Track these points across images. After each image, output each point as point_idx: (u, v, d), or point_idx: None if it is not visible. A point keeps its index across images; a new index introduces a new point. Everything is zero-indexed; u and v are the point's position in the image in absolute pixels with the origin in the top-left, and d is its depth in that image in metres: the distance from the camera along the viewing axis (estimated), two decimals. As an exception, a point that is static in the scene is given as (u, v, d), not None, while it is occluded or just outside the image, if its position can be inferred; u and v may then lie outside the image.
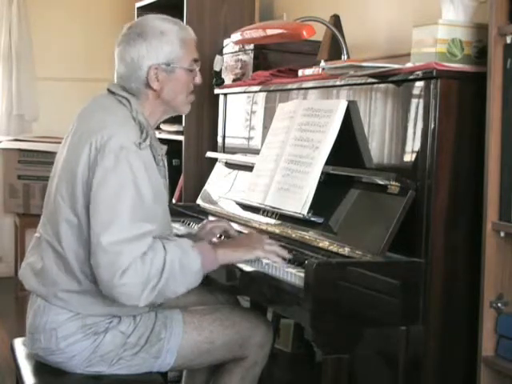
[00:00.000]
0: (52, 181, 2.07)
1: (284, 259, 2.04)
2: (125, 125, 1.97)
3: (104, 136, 1.91)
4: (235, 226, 2.51)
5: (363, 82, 2.16)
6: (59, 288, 1.98)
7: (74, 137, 2.02)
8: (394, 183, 1.97)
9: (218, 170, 2.94)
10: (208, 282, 2.50)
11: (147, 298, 1.86)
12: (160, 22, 2.06)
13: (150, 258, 1.85)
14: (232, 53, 3.11)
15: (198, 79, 2.14)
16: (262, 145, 2.58)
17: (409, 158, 1.99)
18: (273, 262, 2.02)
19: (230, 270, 2.18)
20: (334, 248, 2.05)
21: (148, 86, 2.04)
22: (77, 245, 1.96)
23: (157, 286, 1.86)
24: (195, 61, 2.10)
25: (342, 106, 2.19)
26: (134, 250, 1.84)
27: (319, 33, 2.64)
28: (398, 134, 2.04)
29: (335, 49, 2.67)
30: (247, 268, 2.09)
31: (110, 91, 2.08)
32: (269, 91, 2.72)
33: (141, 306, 1.88)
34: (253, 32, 2.70)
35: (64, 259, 1.97)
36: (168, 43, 2.03)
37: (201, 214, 2.84)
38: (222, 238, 2.34)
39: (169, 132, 3.60)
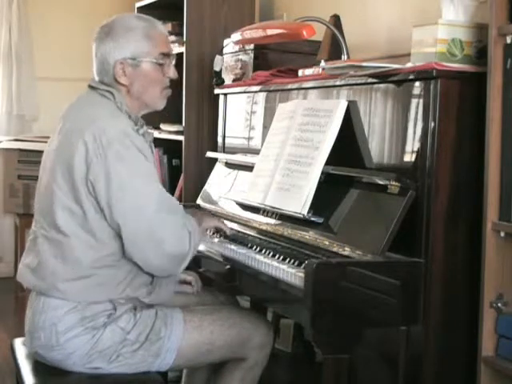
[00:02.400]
0: (40, 181, 2.10)
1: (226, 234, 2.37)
2: (115, 115, 2.03)
3: (99, 128, 1.96)
4: (235, 226, 2.51)
5: (363, 81, 2.16)
6: (58, 278, 1.99)
7: (62, 134, 2.05)
8: (394, 183, 1.97)
9: (218, 170, 2.94)
10: (208, 283, 2.50)
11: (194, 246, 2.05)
12: (128, 20, 2.12)
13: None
14: (232, 53, 3.11)
15: (172, 73, 2.15)
16: (262, 145, 2.57)
17: (409, 158, 1.99)
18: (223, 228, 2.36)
19: (230, 269, 2.18)
20: (334, 248, 2.05)
21: (117, 81, 2.08)
22: (80, 230, 1.99)
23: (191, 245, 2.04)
24: (165, 55, 2.12)
25: (342, 106, 2.19)
26: (176, 221, 2.01)
27: (319, 33, 2.63)
28: (398, 134, 2.04)
29: (335, 49, 2.66)
30: (247, 268, 2.09)
31: (91, 87, 2.12)
32: (269, 91, 2.72)
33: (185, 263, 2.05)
34: (253, 32, 2.70)
35: (63, 246, 1.99)
36: (133, 38, 2.08)
37: (201, 214, 2.84)
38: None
39: (169, 132, 3.60)
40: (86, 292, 2.00)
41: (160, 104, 2.17)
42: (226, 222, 2.47)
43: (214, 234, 2.47)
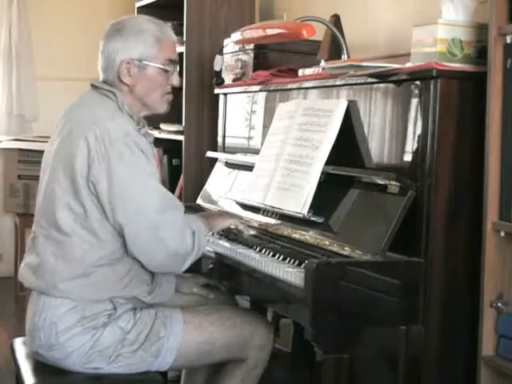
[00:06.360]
0: (42, 180, 2.10)
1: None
2: (116, 115, 2.04)
3: (101, 128, 1.96)
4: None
5: (363, 81, 2.16)
6: (59, 278, 2.00)
7: (64, 133, 2.05)
8: (393, 183, 1.97)
9: (218, 169, 2.94)
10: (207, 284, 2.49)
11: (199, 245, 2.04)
12: (140, 21, 2.13)
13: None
14: (232, 53, 3.11)
15: (175, 80, 2.17)
16: (262, 144, 2.57)
17: (409, 158, 1.99)
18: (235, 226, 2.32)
19: (230, 269, 2.18)
20: (334, 248, 2.05)
21: (121, 80, 2.09)
22: (81, 229, 1.99)
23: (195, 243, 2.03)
24: (172, 62, 2.14)
25: (342, 105, 2.19)
26: (178, 220, 2.01)
27: (319, 33, 2.64)
28: (398, 134, 2.04)
29: (335, 49, 2.66)
30: (247, 268, 2.09)
31: (93, 86, 2.13)
32: (269, 91, 2.72)
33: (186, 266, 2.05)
34: (253, 32, 2.70)
35: (63, 245, 2.00)
36: (143, 41, 2.09)
37: (201, 213, 2.84)
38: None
39: (169, 132, 3.60)
40: (86, 290, 2.00)
41: (161, 108, 2.19)
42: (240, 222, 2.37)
43: (221, 235, 2.40)
